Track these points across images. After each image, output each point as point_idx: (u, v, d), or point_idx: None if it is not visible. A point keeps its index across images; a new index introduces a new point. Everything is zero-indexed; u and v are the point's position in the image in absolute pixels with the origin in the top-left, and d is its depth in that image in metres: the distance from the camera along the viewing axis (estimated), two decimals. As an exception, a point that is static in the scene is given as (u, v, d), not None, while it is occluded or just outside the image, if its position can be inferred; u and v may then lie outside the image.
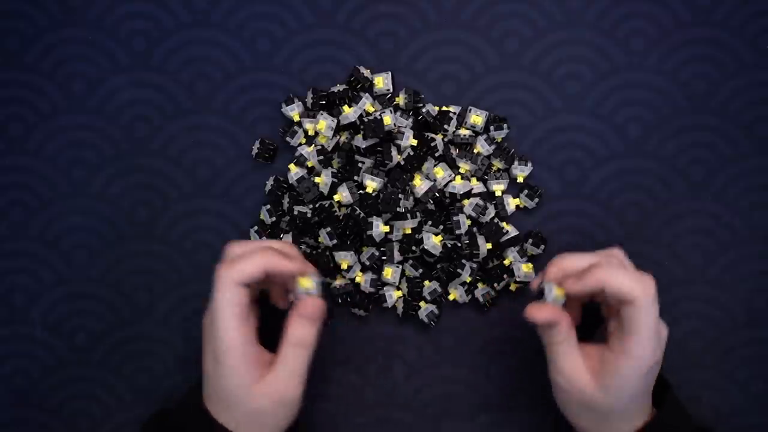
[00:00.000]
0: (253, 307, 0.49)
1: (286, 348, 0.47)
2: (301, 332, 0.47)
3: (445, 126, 0.54)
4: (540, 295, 0.48)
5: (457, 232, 0.53)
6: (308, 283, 0.48)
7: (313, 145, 0.55)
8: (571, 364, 0.48)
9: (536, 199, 0.55)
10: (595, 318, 0.51)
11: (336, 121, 0.54)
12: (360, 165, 0.54)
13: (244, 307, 0.47)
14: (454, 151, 0.55)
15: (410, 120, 0.54)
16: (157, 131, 0.57)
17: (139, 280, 0.57)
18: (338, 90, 0.54)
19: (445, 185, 0.54)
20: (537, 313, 0.47)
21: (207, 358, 0.48)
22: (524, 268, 0.54)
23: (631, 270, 0.47)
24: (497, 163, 0.55)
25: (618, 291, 0.45)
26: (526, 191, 0.55)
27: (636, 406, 0.48)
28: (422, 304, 0.55)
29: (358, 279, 0.54)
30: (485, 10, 0.55)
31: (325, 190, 0.53)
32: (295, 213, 0.54)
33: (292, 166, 0.55)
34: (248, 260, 0.46)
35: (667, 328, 0.48)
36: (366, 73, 0.55)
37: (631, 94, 0.55)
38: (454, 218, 0.53)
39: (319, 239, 0.54)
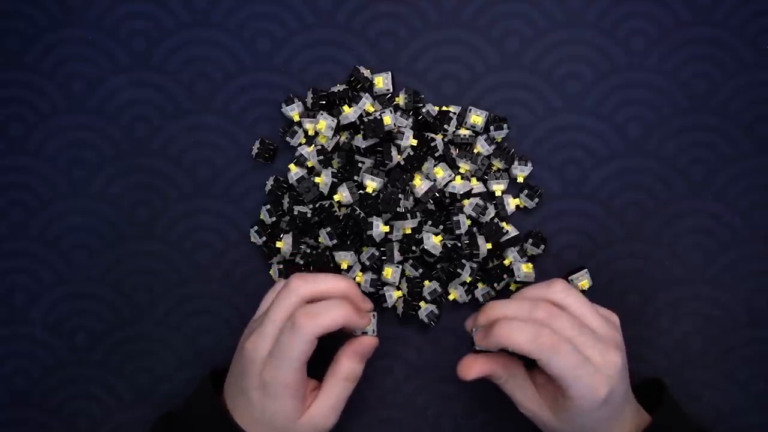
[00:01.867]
0: None
1: (334, 381, 0.49)
2: (351, 367, 0.50)
3: (445, 126, 0.54)
4: (471, 341, 0.49)
5: (457, 232, 0.53)
6: (367, 324, 0.50)
7: (313, 145, 0.55)
8: (526, 398, 0.49)
9: (536, 199, 0.55)
10: None
11: (336, 121, 0.54)
12: (360, 165, 0.54)
13: (311, 352, 0.47)
14: (454, 151, 0.55)
15: (410, 120, 0.54)
16: (157, 131, 0.57)
17: (139, 280, 0.57)
18: (338, 90, 0.54)
19: (445, 185, 0.54)
20: (466, 371, 0.49)
21: (252, 383, 0.48)
22: (524, 268, 0.54)
23: (528, 326, 0.45)
24: (497, 163, 0.55)
25: (519, 351, 0.45)
26: (526, 191, 0.55)
27: (607, 426, 0.47)
28: (422, 304, 0.55)
29: (358, 279, 0.54)
30: (485, 9, 0.55)
31: (325, 190, 0.53)
32: (295, 213, 0.54)
33: (292, 166, 0.55)
34: (329, 316, 0.47)
35: (618, 355, 0.46)
36: (366, 73, 0.55)
37: (632, 93, 0.55)
38: (454, 218, 0.53)
39: (319, 239, 0.54)
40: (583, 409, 0.46)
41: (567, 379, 0.45)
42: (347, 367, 0.50)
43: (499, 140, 0.55)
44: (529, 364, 0.50)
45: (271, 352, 0.47)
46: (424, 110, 0.54)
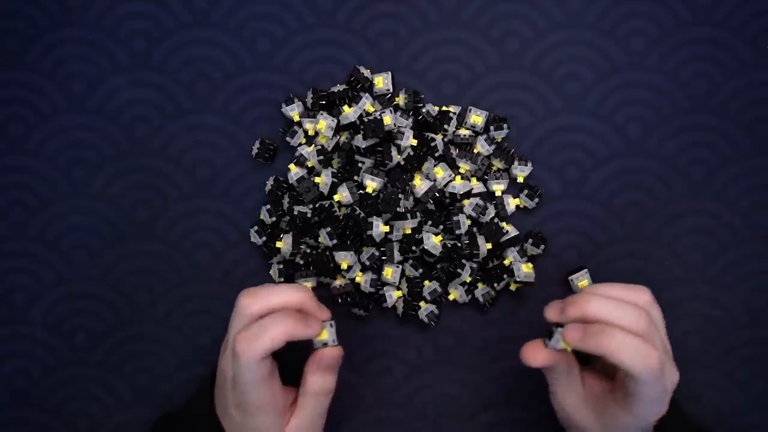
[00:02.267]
0: None
1: (307, 397, 0.49)
2: (321, 382, 0.49)
3: (445, 126, 0.54)
4: (547, 334, 0.46)
5: (457, 232, 0.53)
6: (325, 335, 0.49)
7: (313, 145, 0.55)
8: (571, 398, 0.48)
9: (536, 199, 0.55)
10: None
11: (336, 121, 0.54)
12: (360, 165, 0.54)
13: (269, 368, 0.46)
14: (454, 151, 0.55)
15: (410, 120, 0.54)
16: (157, 131, 0.57)
17: (139, 280, 0.57)
18: (338, 90, 0.54)
19: (445, 185, 0.54)
20: (532, 357, 0.46)
21: (229, 401, 0.48)
22: (524, 268, 0.54)
23: (640, 345, 0.43)
24: (497, 163, 0.55)
25: (620, 365, 0.43)
26: (526, 191, 0.55)
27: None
28: (422, 304, 0.55)
29: (358, 279, 0.54)
30: (485, 10, 0.55)
31: (325, 190, 0.53)
32: (295, 213, 0.54)
33: (292, 166, 0.55)
34: (268, 335, 0.45)
35: (678, 373, 0.46)
36: (366, 73, 0.55)
37: (632, 94, 0.55)
38: (454, 218, 0.53)
39: (319, 239, 0.54)
40: (640, 422, 0.45)
41: (649, 398, 0.44)
42: (313, 382, 0.48)
43: (499, 140, 0.55)
44: (582, 361, 0.49)
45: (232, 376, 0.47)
46: (424, 110, 0.54)
